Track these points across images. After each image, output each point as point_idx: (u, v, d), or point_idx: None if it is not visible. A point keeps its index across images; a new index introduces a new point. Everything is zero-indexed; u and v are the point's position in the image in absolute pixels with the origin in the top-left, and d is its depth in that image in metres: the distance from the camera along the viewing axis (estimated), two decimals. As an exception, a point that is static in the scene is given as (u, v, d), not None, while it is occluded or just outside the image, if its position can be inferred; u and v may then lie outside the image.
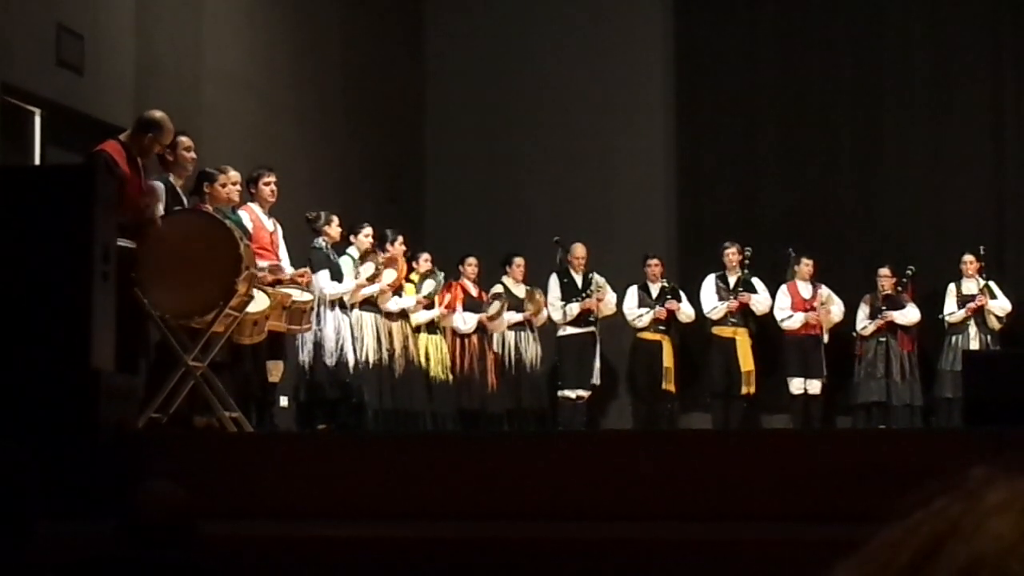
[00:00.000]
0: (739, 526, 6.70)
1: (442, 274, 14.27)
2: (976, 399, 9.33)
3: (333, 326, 12.48)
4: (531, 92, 17.09)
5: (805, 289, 15.43)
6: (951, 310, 15.17)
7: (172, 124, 9.72)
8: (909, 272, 15.17)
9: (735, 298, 15.25)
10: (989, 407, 8.54)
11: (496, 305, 14.79)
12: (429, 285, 13.97)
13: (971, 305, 15.02)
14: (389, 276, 13.25)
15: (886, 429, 14.29)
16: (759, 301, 15.35)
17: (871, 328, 15.17)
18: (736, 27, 17.21)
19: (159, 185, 10.00)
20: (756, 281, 15.44)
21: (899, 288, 15.18)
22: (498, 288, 15.08)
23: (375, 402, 13.04)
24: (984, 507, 0.85)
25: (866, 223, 16.65)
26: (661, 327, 15.38)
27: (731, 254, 15.46)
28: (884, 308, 15.14)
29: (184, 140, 10.26)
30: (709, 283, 15.48)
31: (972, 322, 15.07)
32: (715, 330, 15.38)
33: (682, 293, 15.54)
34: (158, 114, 9.70)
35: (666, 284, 15.48)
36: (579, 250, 15.46)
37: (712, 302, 15.36)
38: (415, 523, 6.88)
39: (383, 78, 16.62)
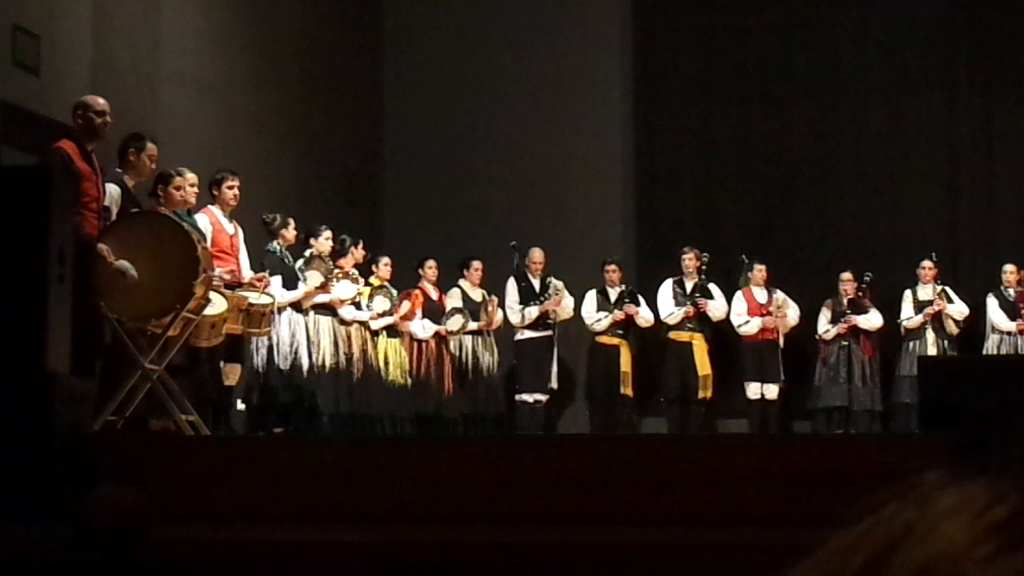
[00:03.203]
0: (696, 530, 6.71)
1: (394, 291, 14.27)
2: (931, 404, 9.37)
3: (288, 329, 12.43)
4: (489, 96, 17.10)
5: (760, 294, 15.48)
6: (908, 315, 15.24)
7: (98, 100, 9.71)
8: (867, 278, 15.22)
9: (692, 304, 15.28)
10: (944, 412, 8.58)
11: (458, 321, 14.77)
12: (382, 303, 13.94)
13: (929, 310, 15.09)
14: (347, 290, 13.16)
15: (841, 434, 14.34)
16: (716, 307, 15.38)
17: (833, 332, 15.22)
18: (693, 31, 17.25)
19: (113, 188, 9.96)
20: (713, 287, 15.47)
21: (860, 293, 15.24)
22: (457, 297, 15.07)
23: (332, 406, 13.00)
24: (938, 511, 0.85)
25: (823, 229, 16.71)
26: (619, 331, 15.39)
27: (689, 260, 15.49)
28: (848, 312, 15.20)
29: (151, 147, 10.24)
30: (666, 288, 15.51)
31: (929, 327, 15.14)
32: (672, 335, 15.40)
33: (641, 298, 15.56)
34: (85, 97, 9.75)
35: (625, 289, 15.49)
36: (537, 254, 15.47)
37: (669, 307, 15.38)
38: (372, 527, 6.87)
39: (341, 82, 16.60)
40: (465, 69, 17.21)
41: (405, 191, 17.25)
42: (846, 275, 15.34)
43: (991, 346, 15.07)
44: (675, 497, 7.05)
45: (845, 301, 15.28)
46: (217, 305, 10.23)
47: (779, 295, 15.45)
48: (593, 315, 15.44)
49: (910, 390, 14.41)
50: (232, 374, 11.37)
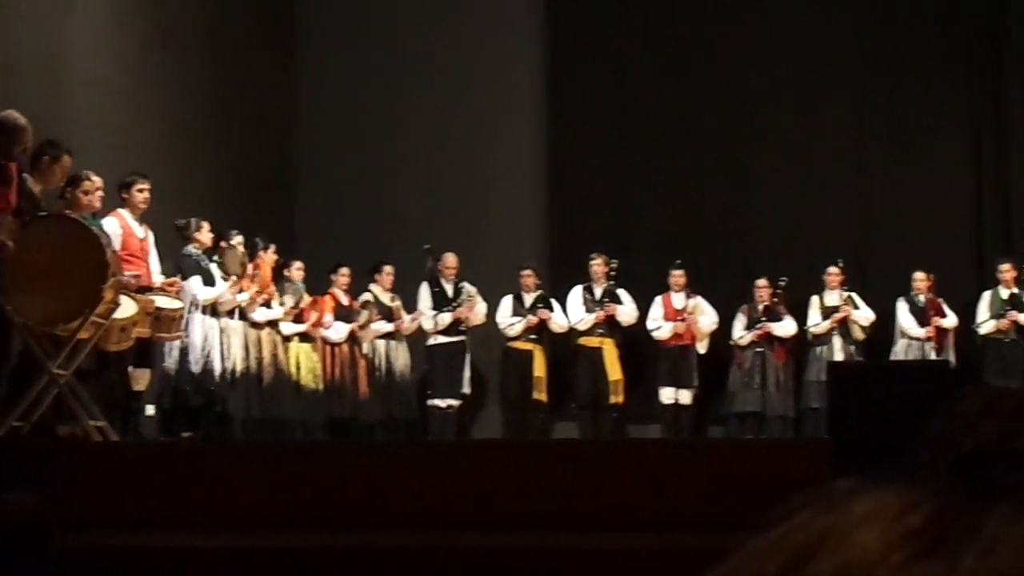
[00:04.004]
0: (608, 535, 6.72)
1: (302, 286, 14.23)
2: (840, 410, 9.43)
3: (200, 333, 12.36)
4: (403, 100, 17.05)
5: (678, 300, 15.55)
6: (815, 321, 15.36)
7: (21, 123, 9.58)
8: (782, 284, 15.32)
9: (601, 309, 15.32)
10: (853, 417, 8.64)
11: (364, 315, 14.77)
12: (289, 300, 13.91)
13: (836, 316, 15.23)
14: (256, 290, 13.17)
15: (753, 439, 14.43)
16: (625, 312, 15.44)
17: (748, 338, 15.32)
18: (609, 38, 17.28)
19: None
20: (622, 292, 15.52)
21: (775, 299, 15.34)
22: (367, 296, 15.06)
23: (243, 411, 12.95)
24: (851, 518, 0.85)
25: (737, 235, 16.79)
26: (533, 337, 15.42)
27: (597, 265, 15.55)
28: (763, 319, 15.29)
29: (67, 160, 10.11)
30: (575, 294, 15.56)
31: (836, 333, 15.27)
32: (582, 340, 15.44)
33: (555, 303, 15.59)
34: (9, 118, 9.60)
35: (539, 294, 15.52)
36: (450, 259, 15.46)
37: (579, 313, 15.43)
38: (283, 533, 6.83)
39: (254, 85, 16.50)
40: (378, 73, 17.15)
41: (318, 195, 17.17)
42: (761, 282, 15.44)
43: (899, 351, 15.23)
44: (586, 502, 7.06)
45: (760, 307, 15.38)
46: (126, 309, 10.13)
47: (693, 301, 15.52)
48: (507, 320, 15.46)
49: (818, 395, 14.54)
50: (141, 379, 11.28)
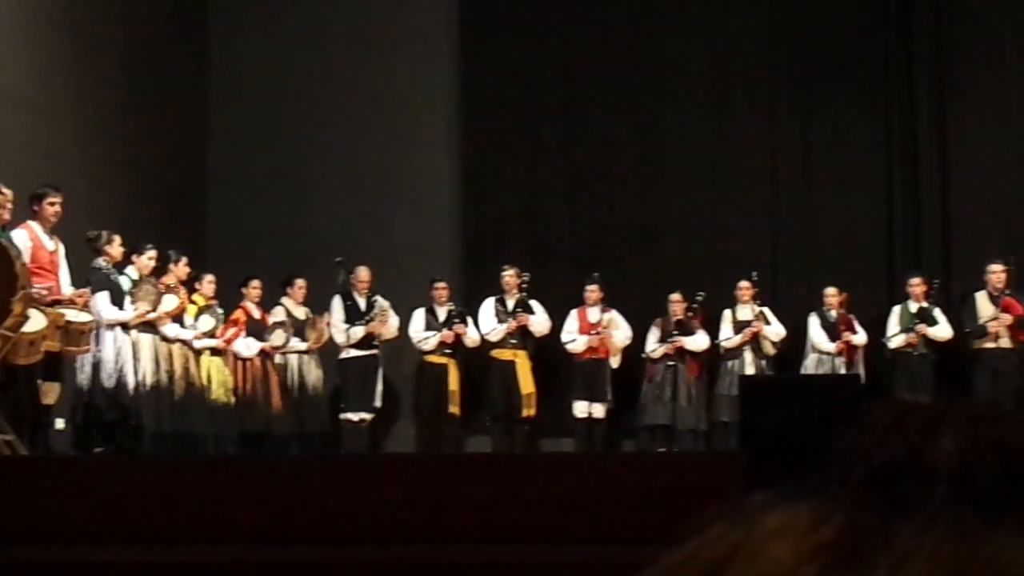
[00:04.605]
0: (521, 549, 6.72)
1: (221, 311, 14.16)
2: (752, 423, 9.48)
3: (113, 347, 12.26)
4: (315, 114, 16.99)
5: (593, 313, 15.59)
6: (727, 335, 15.44)
7: None
8: (699, 298, 15.38)
9: (513, 319, 15.34)
10: (765, 431, 8.69)
11: (280, 336, 14.70)
12: (208, 322, 13.82)
13: (748, 331, 15.32)
14: (170, 303, 13.05)
15: (666, 452, 14.48)
16: (537, 322, 15.47)
17: (660, 352, 15.37)
18: (522, 52, 17.29)
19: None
20: (535, 303, 15.55)
21: (690, 314, 15.40)
22: (281, 314, 14.98)
23: (154, 425, 12.85)
24: (763, 532, 0.86)
25: (651, 249, 16.82)
26: (447, 351, 15.41)
27: (509, 277, 15.58)
28: (675, 333, 15.35)
29: None
30: (488, 306, 15.57)
31: (747, 347, 15.36)
32: (494, 353, 15.45)
33: (469, 318, 15.58)
34: None
35: (453, 308, 15.51)
36: (363, 273, 15.42)
37: (491, 324, 15.44)
38: (195, 547, 6.78)
39: (165, 97, 16.38)
40: (291, 86, 17.10)
41: (230, 208, 17.06)
42: (675, 296, 15.49)
43: (810, 365, 15.34)
44: (498, 516, 7.05)
45: (673, 322, 15.44)
46: (35, 322, 10.04)
47: (607, 315, 15.56)
48: (421, 334, 15.44)
49: (729, 408, 14.63)
50: (51, 392, 11.17)
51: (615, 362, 15.62)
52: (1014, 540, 0.87)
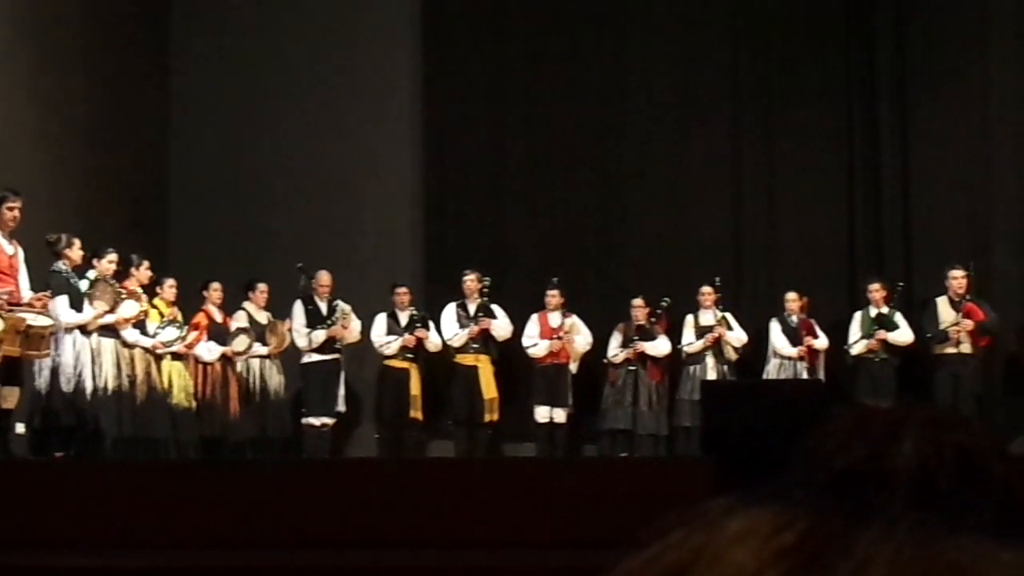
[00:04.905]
0: (483, 553, 6.72)
1: (184, 325, 14.11)
2: (714, 428, 9.50)
3: (72, 352, 12.20)
4: (276, 118, 16.95)
5: (555, 318, 15.59)
6: (689, 340, 15.46)
7: None
8: (664, 304, 15.38)
9: (475, 324, 15.34)
10: (726, 436, 8.71)
11: (243, 342, 14.66)
12: (170, 333, 13.77)
13: (710, 336, 15.34)
14: (131, 309, 12.98)
15: (627, 457, 14.50)
16: (499, 326, 15.46)
17: (622, 357, 15.37)
18: (484, 57, 17.30)
19: None
20: (496, 308, 15.55)
21: (652, 319, 15.40)
22: (243, 319, 14.95)
23: (114, 429, 12.79)
24: (725, 536, 0.86)
25: (613, 254, 16.84)
26: (409, 355, 15.39)
27: (470, 282, 15.57)
28: (636, 338, 15.36)
29: None
30: (449, 312, 15.56)
31: (709, 352, 15.38)
32: (457, 358, 15.45)
33: (431, 323, 15.57)
34: None
35: (415, 313, 15.49)
36: (324, 278, 15.39)
37: (453, 329, 15.43)
38: (156, 552, 6.76)
39: (127, 101, 16.32)
40: (252, 90, 17.06)
41: (191, 212, 17.01)
42: (637, 301, 15.50)
43: (771, 370, 15.37)
44: (461, 520, 7.05)
45: (634, 327, 15.46)
46: (-5, 326, 9.99)
47: (568, 320, 15.57)
48: (383, 339, 15.42)
49: (691, 414, 14.66)
50: (10, 397, 11.11)
51: (574, 367, 15.62)
52: (974, 544, 0.88)
